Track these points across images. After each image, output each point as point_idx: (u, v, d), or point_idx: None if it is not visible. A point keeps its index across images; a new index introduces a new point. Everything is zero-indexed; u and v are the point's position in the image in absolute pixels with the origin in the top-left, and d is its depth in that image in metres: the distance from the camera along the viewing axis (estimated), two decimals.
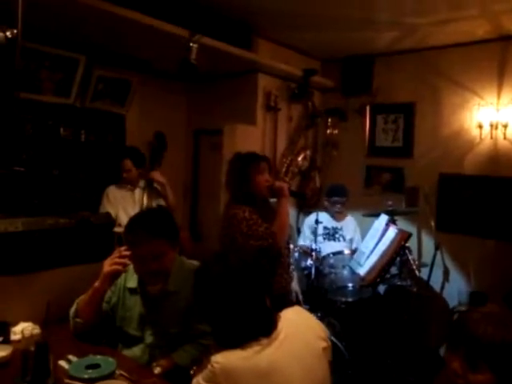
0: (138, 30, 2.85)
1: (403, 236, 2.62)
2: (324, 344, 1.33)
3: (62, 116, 3.56)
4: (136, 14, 2.69)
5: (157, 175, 3.47)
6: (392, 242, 2.67)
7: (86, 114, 3.72)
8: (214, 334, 1.25)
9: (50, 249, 2.06)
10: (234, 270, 1.23)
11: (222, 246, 2.45)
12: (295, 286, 3.08)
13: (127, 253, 1.78)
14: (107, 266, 1.80)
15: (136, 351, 1.87)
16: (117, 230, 2.39)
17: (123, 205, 3.38)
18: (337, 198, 3.69)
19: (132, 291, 1.91)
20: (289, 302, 2.92)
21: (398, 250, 2.58)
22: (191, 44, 2.96)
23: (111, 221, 2.26)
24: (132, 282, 1.92)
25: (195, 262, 1.93)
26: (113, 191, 3.42)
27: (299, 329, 1.30)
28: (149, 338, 1.86)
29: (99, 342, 1.92)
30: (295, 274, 3.06)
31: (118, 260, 1.78)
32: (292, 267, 2.76)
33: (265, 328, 1.21)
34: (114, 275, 1.81)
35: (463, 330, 1.14)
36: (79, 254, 2.16)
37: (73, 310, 1.86)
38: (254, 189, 2.40)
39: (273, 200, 2.54)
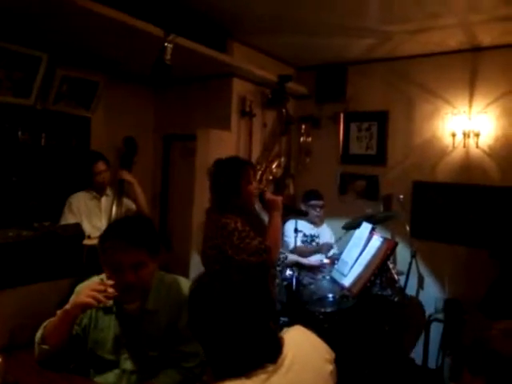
0: (108, 26, 2.67)
1: (389, 245, 2.56)
2: (331, 367, 1.22)
3: (20, 118, 3.31)
4: (106, 8, 2.50)
5: (126, 175, 3.28)
6: (377, 251, 2.61)
7: (47, 117, 3.48)
8: (213, 362, 1.10)
9: (12, 265, 1.84)
10: (238, 288, 1.09)
11: (206, 259, 2.29)
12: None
13: (111, 290, 1.55)
14: (84, 295, 1.56)
15: (110, 377, 1.68)
16: (87, 242, 2.18)
17: (87, 214, 3.16)
18: (315, 202, 3.65)
19: (106, 310, 1.72)
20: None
21: (385, 259, 2.52)
22: (166, 44, 2.81)
23: (81, 232, 2.05)
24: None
25: (180, 278, 1.77)
26: (76, 200, 3.19)
27: (305, 352, 1.18)
28: (125, 363, 1.68)
29: (67, 368, 1.72)
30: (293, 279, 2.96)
31: (98, 296, 1.54)
32: (277, 280, 2.64)
33: (271, 353, 1.08)
34: (88, 307, 1.60)
35: (485, 350, 1.06)
36: (45, 270, 1.94)
37: (39, 335, 1.64)
38: (243, 200, 2.24)
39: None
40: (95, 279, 1.76)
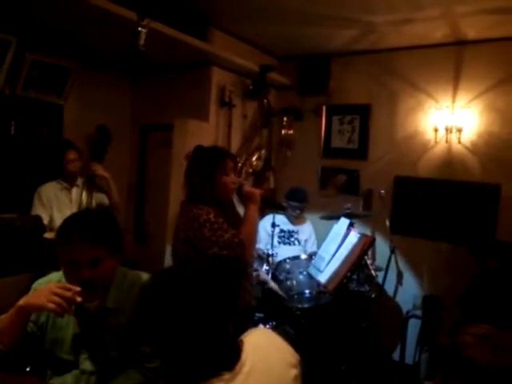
0: (79, 8, 2.53)
1: (366, 241, 2.50)
2: (295, 372, 1.14)
3: None
4: None
5: (99, 168, 3.16)
6: (354, 247, 2.54)
7: (16, 103, 3.32)
8: (165, 369, 1.01)
9: None
10: (192, 289, 0.99)
11: (176, 254, 2.17)
12: (273, 285, 2.87)
13: (79, 299, 1.40)
14: (45, 298, 1.39)
15: (68, 379, 1.58)
16: (47, 235, 2.05)
17: (58, 206, 3.03)
18: (296, 204, 3.54)
19: None
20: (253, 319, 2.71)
21: (362, 255, 2.46)
22: (140, 29, 2.67)
23: (41, 225, 1.93)
24: None
25: (143, 274, 1.67)
26: (46, 190, 3.05)
27: (267, 357, 1.10)
28: (84, 363, 1.58)
29: (22, 370, 1.61)
30: (264, 273, 2.87)
31: (64, 305, 1.38)
32: (256, 272, 2.54)
33: (227, 360, 0.99)
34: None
35: (458, 356, 0.99)
36: (3, 265, 1.83)
37: None
38: (218, 190, 2.11)
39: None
40: (54, 275, 1.65)
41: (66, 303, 1.39)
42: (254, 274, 2.57)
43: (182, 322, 0.96)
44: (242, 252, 2.02)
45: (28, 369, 1.71)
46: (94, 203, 3.18)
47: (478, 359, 0.96)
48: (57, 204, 3.06)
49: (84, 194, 3.14)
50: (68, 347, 1.59)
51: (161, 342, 0.98)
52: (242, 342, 1.09)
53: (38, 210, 2.97)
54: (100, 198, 3.23)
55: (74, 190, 3.17)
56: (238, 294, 1.72)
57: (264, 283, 2.71)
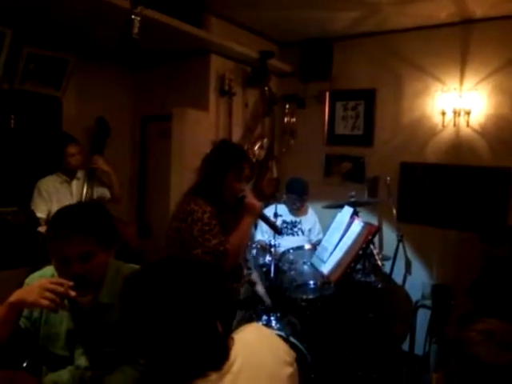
0: None
1: (370, 230, 2.41)
2: (290, 370, 1.08)
3: None
4: None
5: (100, 161, 3.14)
6: (358, 236, 2.46)
7: (15, 97, 3.29)
8: (148, 368, 0.96)
9: None
10: (175, 283, 0.93)
11: (168, 240, 2.13)
12: (260, 289, 2.82)
13: (73, 294, 1.37)
14: (38, 294, 1.35)
15: (64, 375, 1.54)
16: (41, 229, 2.02)
17: (58, 199, 3.00)
18: (295, 197, 3.46)
19: None
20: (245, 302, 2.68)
21: (365, 245, 2.38)
22: (133, 16, 2.59)
23: (34, 219, 1.89)
24: None
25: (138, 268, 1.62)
26: (45, 184, 3.03)
27: (259, 355, 1.04)
28: (79, 359, 1.55)
29: (19, 366, 1.58)
30: (257, 275, 2.81)
31: (55, 298, 1.34)
32: (249, 272, 2.49)
33: (214, 359, 0.93)
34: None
35: (461, 354, 0.92)
36: None
37: None
38: (223, 190, 2.05)
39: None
40: (48, 270, 1.61)
41: (59, 299, 1.36)
42: (246, 272, 2.51)
43: (165, 319, 0.90)
44: (224, 261, 1.96)
45: (25, 364, 1.69)
46: (95, 196, 3.16)
47: (483, 357, 0.89)
48: (57, 197, 3.03)
49: (85, 188, 3.12)
50: (62, 343, 1.56)
51: (143, 339, 0.92)
52: (232, 339, 1.03)
53: (38, 203, 2.94)
54: (101, 191, 3.21)
55: (75, 183, 3.15)
56: (224, 290, 1.67)
57: (253, 284, 2.65)
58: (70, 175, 3.13)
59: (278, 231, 2.47)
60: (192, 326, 0.92)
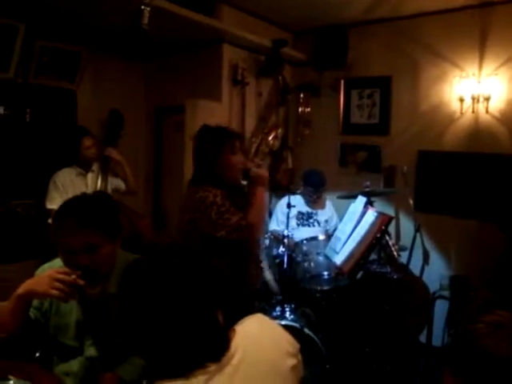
0: None
1: (384, 220, 2.36)
2: (293, 361, 1.05)
3: (0, 93, 3.15)
4: None
5: (113, 153, 3.16)
6: (371, 226, 2.41)
7: (30, 91, 3.33)
8: (147, 358, 0.95)
9: None
10: (173, 272, 0.91)
11: (182, 235, 2.12)
12: (268, 275, 2.82)
13: (82, 283, 1.38)
14: (48, 284, 1.36)
15: (73, 365, 1.57)
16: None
17: (73, 191, 3.00)
18: (312, 189, 3.40)
19: None
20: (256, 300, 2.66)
21: (378, 235, 2.33)
22: (142, 7, 2.58)
23: (44, 211, 1.90)
24: None
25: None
26: (61, 176, 3.06)
27: (261, 346, 1.02)
28: (89, 350, 1.56)
29: (32, 356, 1.61)
30: (265, 263, 2.80)
31: (64, 288, 1.36)
32: (261, 257, 2.47)
33: (213, 351, 0.92)
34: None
35: (469, 347, 0.88)
36: (7, 252, 1.81)
37: None
38: (225, 171, 2.05)
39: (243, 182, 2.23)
40: (58, 261, 1.62)
41: (68, 288, 1.37)
42: None
43: (163, 309, 0.89)
44: (250, 234, 1.98)
45: (37, 354, 1.71)
46: (109, 188, 3.18)
47: (492, 349, 0.85)
48: (72, 189, 3.05)
49: (99, 180, 3.14)
50: (72, 334, 1.57)
51: (141, 329, 0.91)
52: (233, 331, 1.02)
53: (53, 195, 2.97)
54: (116, 182, 3.23)
55: (90, 176, 3.17)
56: (244, 273, 1.66)
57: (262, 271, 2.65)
58: (86, 168, 3.15)
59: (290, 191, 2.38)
60: (191, 316, 0.90)
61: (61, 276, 1.39)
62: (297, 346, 1.10)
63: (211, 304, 0.95)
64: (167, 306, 0.89)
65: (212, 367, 0.90)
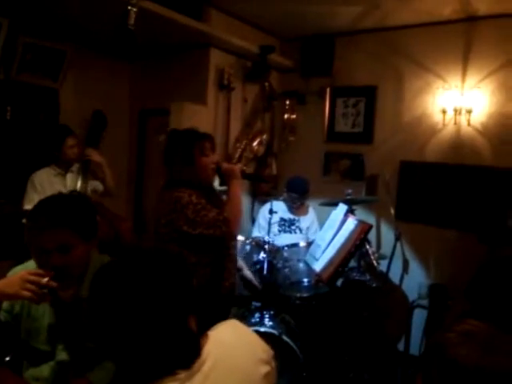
0: None
1: (363, 228, 2.37)
2: (266, 368, 1.04)
3: None
4: None
5: (94, 153, 3.10)
6: (351, 234, 2.42)
7: (11, 88, 3.27)
8: (115, 365, 0.93)
9: None
10: (143, 277, 0.90)
11: (159, 237, 2.10)
12: (248, 274, 2.80)
13: (54, 284, 1.35)
14: (19, 286, 1.33)
15: (44, 370, 1.53)
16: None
17: (52, 191, 2.92)
18: (296, 196, 3.40)
19: None
20: (238, 299, 2.65)
21: (358, 243, 2.34)
22: (129, 7, 2.57)
23: (20, 211, 1.86)
24: None
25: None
26: (39, 177, 3.00)
27: (233, 353, 1.00)
28: (61, 354, 1.53)
29: (1, 360, 1.56)
30: (243, 262, 2.79)
31: (36, 290, 1.33)
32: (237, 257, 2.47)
33: (184, 358, 0.90)
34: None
35: (440, 356, 0.88)
36: None
37: None
38: (197, 174, 2.06)
39: (221, 188, 2.24)
40: (31, 263, 1.59)
41: (40, 290, 1.33)
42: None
43: (131, 314, 0.87)
44: (227, 229, 2.00)
45: (7, 358, 1.66)
46: (88, 190, 3.13)
47: (462, 359, 0.84)
48: (51, 190, 2.98)
49: (80, 181, 3.09)
50: (44, 338, 1.54)
51: (109, 334, 0.89)
52: (206, 337, 1.00)
53: (32, 196, 2.91)
54: (94, 184, 3.17)
55: (69, 176, 3.11)
56: (193, 285, 1.64)
57: (240, 269, 2.65)
58: (65, 168, 3.10)
59: (263, 180, 2.47)
60: (160, 321, 0.88)
61: (32, 277, 1.35)
62: (270, 352, 1.09)
63: (182, 310, 0.94)
64: (135, 310, 0.87)
65: (182, 374, 0.88)
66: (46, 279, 1.34)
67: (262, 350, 1.07)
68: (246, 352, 1.03)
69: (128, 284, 0.89)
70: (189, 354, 0.91)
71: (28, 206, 2.68)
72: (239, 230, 2.17)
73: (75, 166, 3.13)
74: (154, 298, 0.88)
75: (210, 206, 2.00)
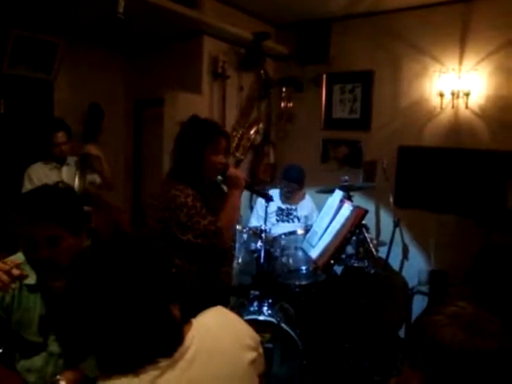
0: None
1: (359, 213, 2.35)
2: (252, 355, 1.02)
3: None
4: None
5: (92, 149, 3.09)
6: (347, 220, 2.40)
7: (4, 82, 3.24)
8: (95, 352, 0.91)
9: None
10: (122, 264, 0.88)
11: (153, 231, 2.07)
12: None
13: (17, 272, 1.36)
14: None
15: (36, 361, 1.52)
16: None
17: None
18: (291, 183, 3.38)
19: (31, 288, 1.54)
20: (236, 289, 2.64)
21: (353, 228, 2.31)
22: None
23: (8, 204, 1.84)
24: (30, 277, 1.55)
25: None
26: (35, 170, 3.00)
27: (218, 339, 0.99)
28: (52, 345, 1.52)
29: None
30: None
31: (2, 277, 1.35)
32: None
33: (165, 346, 0.89)
34: None
35: (425, 338, 0.86)
36: None
37: None
38: (204, 169, 1.96)
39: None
40: (21, 255, 1.58)
41: (7, 277, 1.35)
42: None
43: (110, 302, 0.85)
44: (217, 241, 1.90)
45: (0, 351, 1.66)
46: (87, 182, 3.11)
47: (447, 342, 0.83)
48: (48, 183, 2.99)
49: (77, 175, 3.07)
50: (35, 329, 1.53)
51: (88, 322, 0.88)
52: (190, 324, 0.99)
53: (29, 189, 2.90)
54: (92, 178, 3.16)
55: (65, 169, 3.11)
56: (173, 273, 1.61)
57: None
58: (60, 161, 3.09)
59: (268, 198, 2.40)
60: (140, 309, 0.87)
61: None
62: (257, 339, 1.07)
63: (163, 297, 0.92)
64: (115, 298, 0.86)
65: (163, 362, 0.87)
66: (7, 267, 1.36)
67: (249, 336, 1.06)
68: (232, 338, 1.01)
69: (106, 272, 0.87)
70: (170, 341, 0.90)
71: None
72: (231, 239, 2.06)
73: (72, 159, 3.12)
74: (132, 284, 0.87)
75: (206, 211, 1.91)
